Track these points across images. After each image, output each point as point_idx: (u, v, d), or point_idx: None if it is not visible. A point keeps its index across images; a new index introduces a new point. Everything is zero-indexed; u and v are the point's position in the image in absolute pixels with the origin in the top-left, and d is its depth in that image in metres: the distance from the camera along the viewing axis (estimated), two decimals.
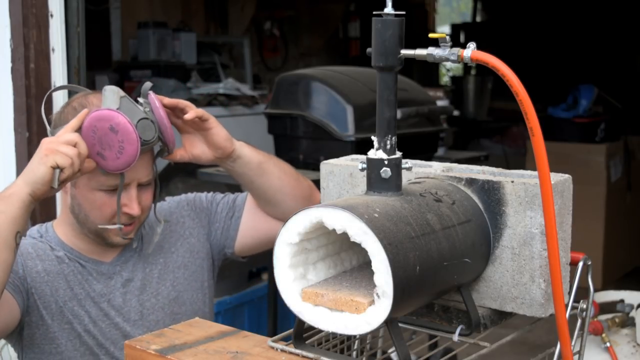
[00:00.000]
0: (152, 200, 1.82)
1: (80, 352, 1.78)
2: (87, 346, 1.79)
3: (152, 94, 1.71)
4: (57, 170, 1.55)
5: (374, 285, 1.08)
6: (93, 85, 5.24)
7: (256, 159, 1.86)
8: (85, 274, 1.81)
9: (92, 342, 1.79)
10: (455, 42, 1.12)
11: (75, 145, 1.58)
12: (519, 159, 5.99)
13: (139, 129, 1.64)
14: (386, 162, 1.19)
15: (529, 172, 1.31)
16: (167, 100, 1.75)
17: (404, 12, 1.16)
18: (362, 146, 2.65)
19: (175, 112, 1.77)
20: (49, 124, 1.74)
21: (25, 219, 1.57)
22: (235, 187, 4.85)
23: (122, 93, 1.67)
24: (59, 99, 2.65)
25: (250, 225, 1.98)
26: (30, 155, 2.59)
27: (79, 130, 1.62)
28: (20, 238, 1.56)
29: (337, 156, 1.51)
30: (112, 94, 1.66)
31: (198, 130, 1.80)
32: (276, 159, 1.96)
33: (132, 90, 4.96)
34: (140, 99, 1.70)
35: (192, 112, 1.75)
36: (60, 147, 1.56)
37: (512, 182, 1.25)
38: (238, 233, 1.98)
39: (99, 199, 1.73)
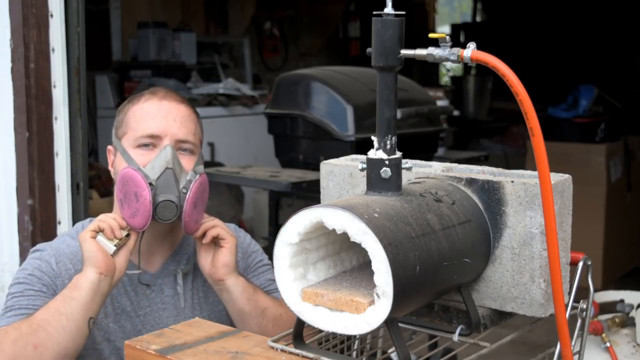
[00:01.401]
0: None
1: None
2: None
3: (200, 179, 1.69)
4: (100, 235, 1.60)
5: (374, 285, 1.08)
6: (93, 86, 5.25)
7: (240, 304, 1.72)
8: (126, 283, 1.76)
9: None
10: (455, 42, 1.12)
11: (96, 216, 1.65)
12: (519, 159, 5.99)
13: (159, 208, 1.64)
14: (386, 162, 1.19)
15: (529, 172, 1.31)
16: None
17: (404, 12, 1.16)
18: (362, 146, 2.65)
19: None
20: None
21: (97, 304, 1.57)
22: (235, 187, 4.84)
23: (170, 164, 1.65)
24: (59, 99, 2.65)
25: None
26: (30, 155, 2.60)
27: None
28: (94, 324, 1.58)
29: (337, 156, 1.51)
30: (163, 158, 1.66)
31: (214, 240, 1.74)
32: (268, 317, 1.74)
33: (131, 91, 4.96)
34: (189, 176, 1.68)
35: (202, 227, 1.71)
36: (88, 226, 1.63)
37: (512, 182, 1.25)
38: None
39: (137, 157, 1.70)
